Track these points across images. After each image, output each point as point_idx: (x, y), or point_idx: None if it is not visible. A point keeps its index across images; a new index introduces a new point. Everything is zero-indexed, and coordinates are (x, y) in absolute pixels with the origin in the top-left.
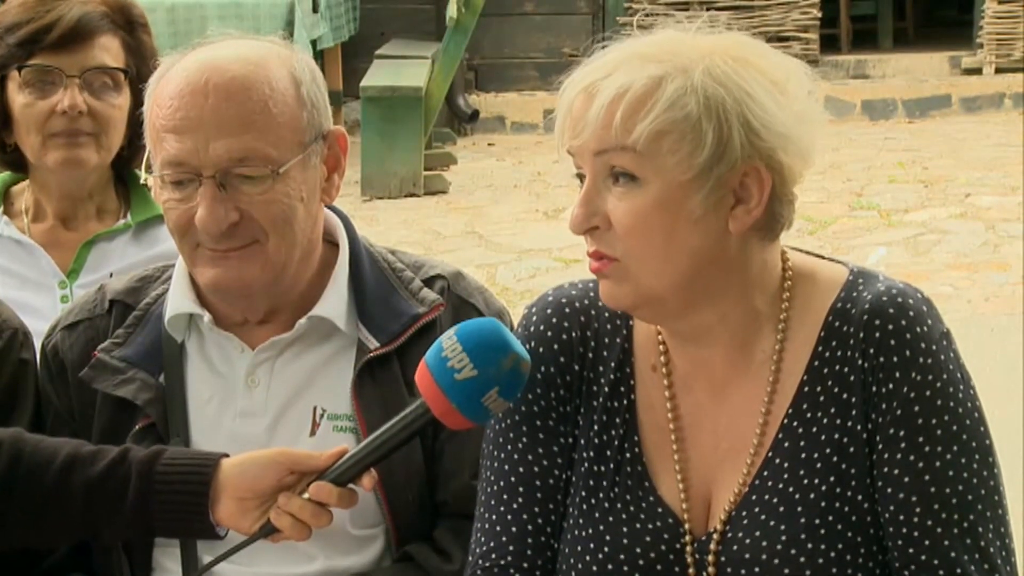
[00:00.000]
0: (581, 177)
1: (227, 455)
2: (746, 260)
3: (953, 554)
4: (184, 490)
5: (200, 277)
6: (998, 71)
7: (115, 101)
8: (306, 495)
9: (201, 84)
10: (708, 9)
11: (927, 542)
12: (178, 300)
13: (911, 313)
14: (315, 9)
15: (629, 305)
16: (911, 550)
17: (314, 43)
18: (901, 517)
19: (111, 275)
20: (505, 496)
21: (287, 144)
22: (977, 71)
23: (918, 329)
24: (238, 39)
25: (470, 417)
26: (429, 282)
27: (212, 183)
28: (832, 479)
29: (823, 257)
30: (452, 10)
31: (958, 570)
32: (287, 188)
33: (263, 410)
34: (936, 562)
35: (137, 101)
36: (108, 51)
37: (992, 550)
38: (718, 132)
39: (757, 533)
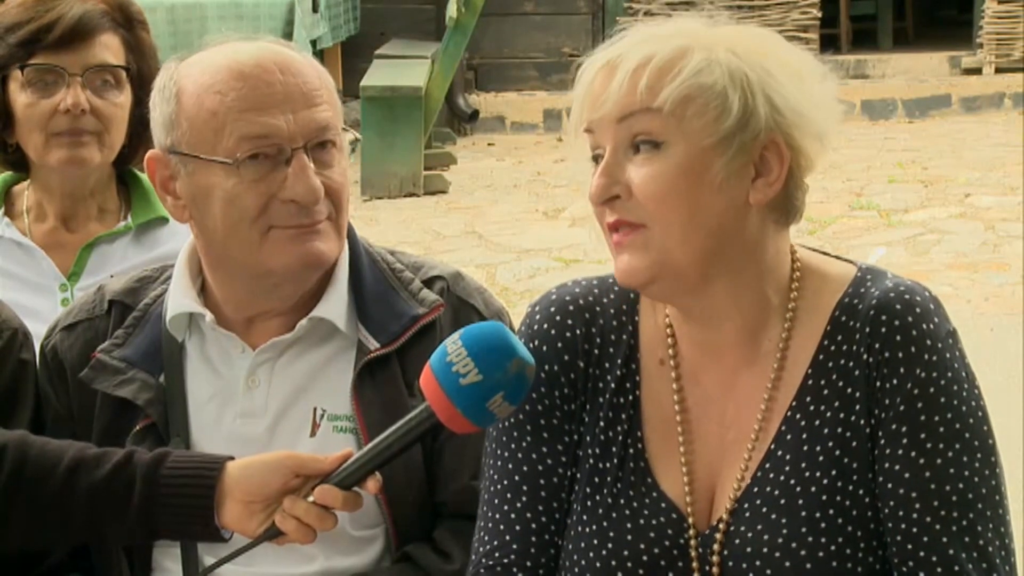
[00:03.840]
0: (597, 159)
1: (232, 458)
2: (762, 241)
3: (951, 551)
4: (189, 493)
5: (277, 260)
6: (998, 71)
7: (117, 99)
8: (311, 498)
9: (267, 63)
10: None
11: (926, 539)
12: (179, 299)
13: (918, 310)
14: (315, 9)
15: (647, 278)
16: (910, 546)
17: (314, 43)
18: (901, 513)
19: (112, 277)
20: (508, 494)
21: (339, 119)
22: (977, 71)
23: (924, 326)
24: (240, 42)
25: (475, 421)
26: (429, 283)
27: (303, 153)
28: (833, 473)
29: (832, 256)
30: (452, 10)
31: (956, 567)
32: (345, 163)
33: (263, 410)
34: (934, 559)
35: (137, 100)
36: (109, 49)
37: (991, 549)
38: (743, 101)
39: (759, 526)
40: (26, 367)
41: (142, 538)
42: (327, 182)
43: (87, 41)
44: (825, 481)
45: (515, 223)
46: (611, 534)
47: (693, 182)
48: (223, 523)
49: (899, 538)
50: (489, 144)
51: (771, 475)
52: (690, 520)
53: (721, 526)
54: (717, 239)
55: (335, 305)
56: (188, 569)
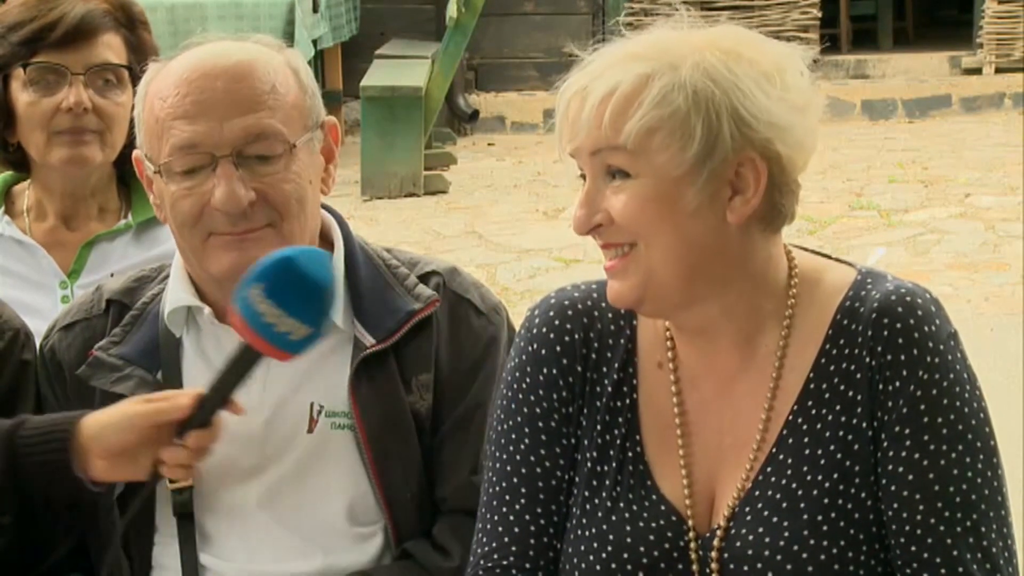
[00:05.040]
0: (584, 178)
1: (86, 413)
2: (749, 252)
3: (956, 552)
4: (46, 451)
5: (214, 266)
6: (998, 71)
7: (119, 98)
8: (183, 443)
9: (208, 68)
10: (706, 9)
11: (930, 540)
12: (177, 294)
13: (920, 312)
14: (315, 9)
15: (634, 299)
16: (914, 548)
17: (315, 43)
18: (905, 514)
19: (112, 276)
20: (507, 497)
21: (296, 124)
22: (977, 71)
23: (926, 328)
24: (227, 40)
25: (268, 339)
26: (424, 278)
27: (229, 162)
28: (836, 476)
29: (831, 258)
30: (452, 10)
31: (960, 568)
32: (299, 168)
33: (260, 406)
34: (939, 560)
35: None
36: (111, 48)
37: (995, 550)
38: (707, 126)
39: (760, 529)
40: (27, 367)
41: (20, 501)
42: (265, 189)
43: (89, 40)
44: (827, 484)
45: (515, 223)
46: (611, 537)
47: (667, 210)
48: (93, 477)
49: (903, 540)
50: (489, 144)
51: (773, 478)
52: (690, 523)
53: (720, 531)
54: (700, 258)
55: None
56: (187, 566)
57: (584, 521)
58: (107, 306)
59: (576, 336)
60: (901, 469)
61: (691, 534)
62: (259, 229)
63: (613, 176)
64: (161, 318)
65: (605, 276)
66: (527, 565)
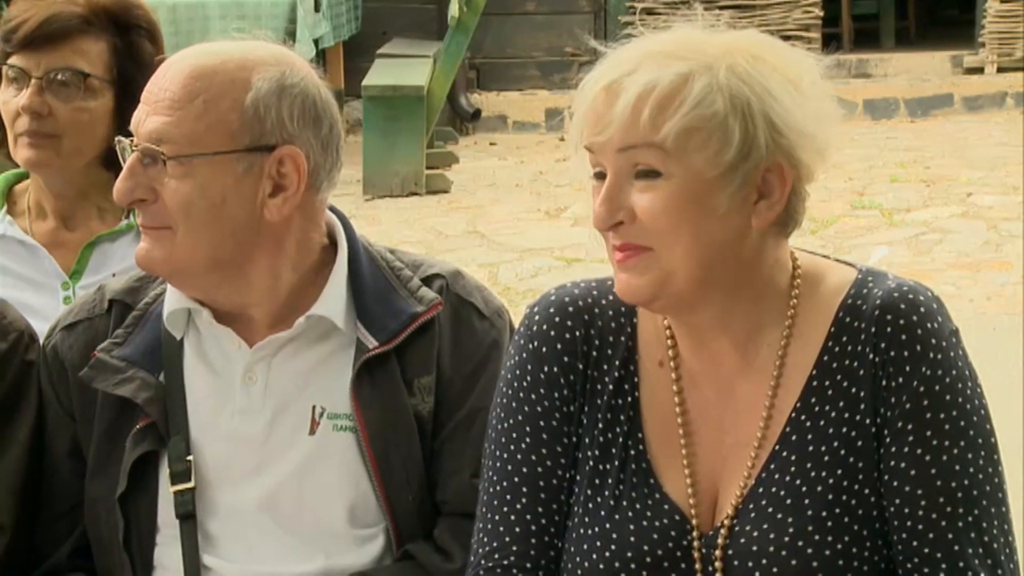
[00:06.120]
0: (599, 175)
1: None
2: (761, 256)
3: (957, 547)
4: None
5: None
6: (1000, 70)
7: (82, 104)
8: None
9: (171, 63)
10: (709, 8)
11: (932, 535)
12: (176, 296)
13: (922, 309)
14: (317, 8)
15: (648, 297)
16: (915, 543)
17: (316, 42)
18: (907, 510)
19: (113, 276)
20: (508, 496)
21: (202, 140)
22: (979, 70)
23: (928, 325)
24: (239, 40)
25: None
26: (428, 281)
27: (136, 155)
28: (839, 472)
29: (831, 258)
30: (454, 9)
31: (961, 563)
32: (194, 182)
33: (261, 408)
34: (940, 555)
35: (121, 106)
36: (82, 54)
37: (996, 545)
38: (744, 130)
39: (764, 526)
40: (31, 369)
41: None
42: (160, 191)
43: (52, 44)
44: (831, 481)
45: (517, 222)
46: (614, 536)
47: (696, 211)
48: None
49: (905, 535)
50: (491, 143)
51: (776, 476)
52: (693, 521)
53: (723, 528)
54: (718, 261)
55: (333, 303)
56: (190, 567)
57: (587, 520)
58: (109, 306)
59: (577, 333)
60: (903, 464)
61: (694, 532)
62: (155, 229)
63: (640, 174)
64: (164, 319)
65: (604, 275)
66: (528, 565)
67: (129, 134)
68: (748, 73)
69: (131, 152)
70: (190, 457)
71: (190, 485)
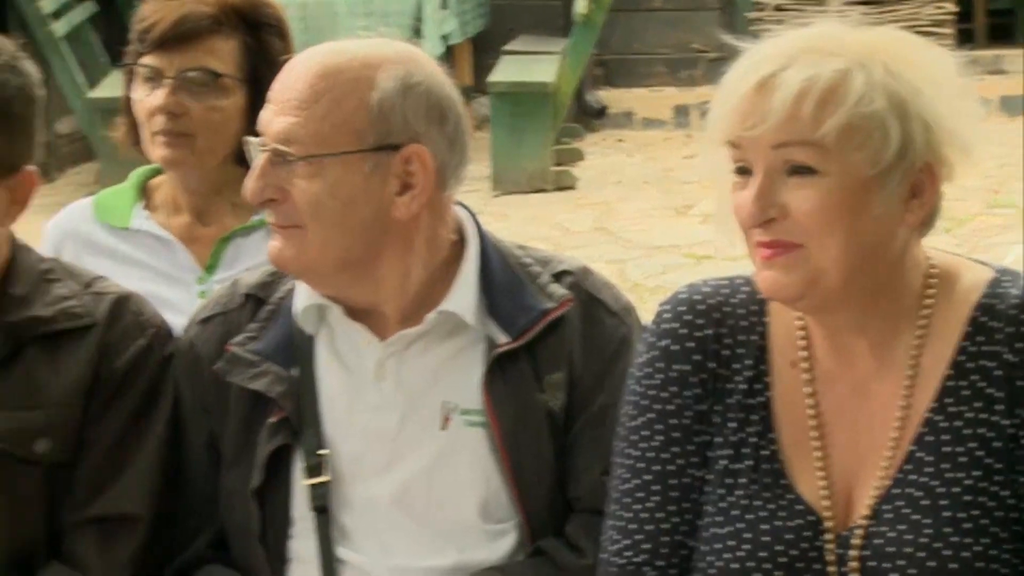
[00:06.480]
0: (742, 170)
1: None
2: (905, 255)
3: None
4: None
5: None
6: None
7: (215, 103)
8: None
9: (297, 62)
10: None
11: None
12: (307, 292)
13: None
14: (444, 5)
15: (795, 294)
16: None
17: (444, 38)
18: None
19: (247, 271)
20: (639, 494)
21: (328, 140)
22: None
23: None
24: (365, 39)
25: None
26: (557, 277)
27: (266, 155)
28: (977, 473)
29: (966, 258)
30: (581, 6)
31: None
32: (323, 181)
33: (392, 404)
34: None
35: (253, 104)
36: (214, 53)
37: None
38: (902, 129)
39: (901, 527)
40: (167, 363)
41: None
42: (289, 190)
43: (186, 44)
44: (968, 482)
45: (645, 219)
46: (747, 535)
47: (851, 210)
48: None
49: None
50: (618, 140)
51: (912, 477)
52: (828, 523)
53: (859, 529)
54: (868, 260)
55: (463, 299)
56: (325, 559)
57: (719, 519)
58: (243, 300)
59: (708, 332)
60: None
61: (829, 534)
62: (284, 228)
63: (793, 171)
64: (294, 314)
65: (733, 273)
66: (659, 562)
67: (259, 133)
68: (899, 71)
69: (260, 152)
70: (324, 451)
71: (325, 479)
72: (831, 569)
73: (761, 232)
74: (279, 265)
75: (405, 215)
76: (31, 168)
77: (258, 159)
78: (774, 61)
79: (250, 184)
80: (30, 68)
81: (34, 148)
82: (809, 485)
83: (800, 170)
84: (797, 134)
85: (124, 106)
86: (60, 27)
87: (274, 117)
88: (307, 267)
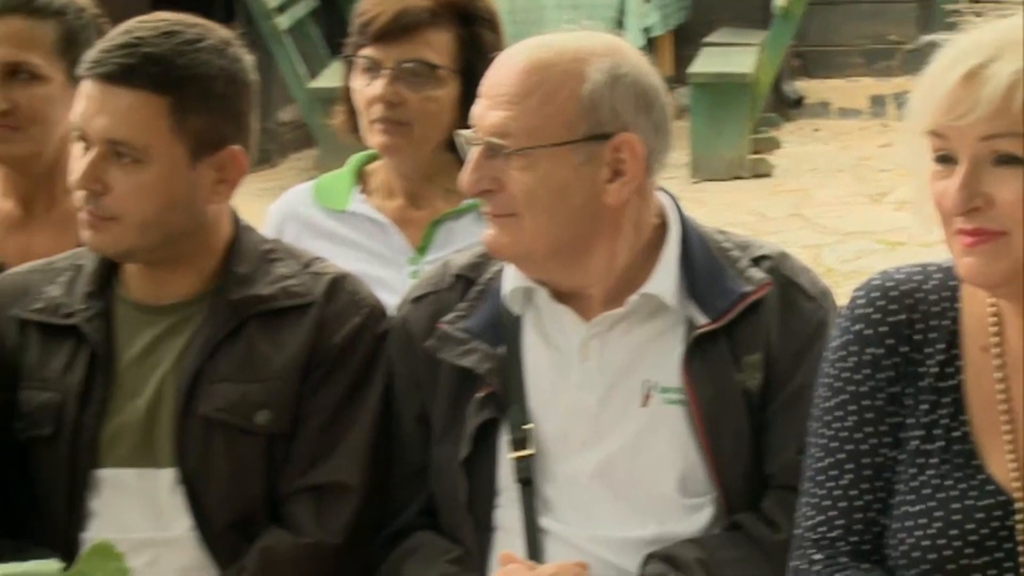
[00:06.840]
0: (944, 159)
1: None
2: None
3: None
4: None
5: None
6: None
7: (431, 93)
8: None
9: (502, 59)
10: None
11: None
12: (516, 275)
13: None
14: None
15: (999, 281)
16: None
17: (646, 31)
18: None
19: (456, 252)
20: (833, 472)
21: (541, 132)
22: None
23: None
24: (570, 32)
25: None
26: (756, 261)
27: (480, 148)
28: None
29: None
30: None
31: None
32: (537, 172)
33: (595, 382)
34: None
35: (471, 93)
36: (431, 46)
37: None
38: None
39: None
40: (381, 340)
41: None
42: (504, 180)
43: (403, 36)
44: None
45: (840, 206)
46: (938, 515)
47: None
48: None
49: None
50: (815, 129)
51: None
52: (1018, 503)
53: None
54: None
55: (664, 282)
56: (529, 528)
57: (911, 499)
58: (454, 281)
59: (901, 317)
60: None
61: (1019, 515)
62: (499, 216)
63: (1000, 160)
64: (501, 295)
65: (934, 257)
66: (852, 539)
67: (470, 124)
68: None
69: (473, 145)
70: (529, 425)
71: (529, 452)
72: (1022, 548)
73: (963, 220)
74: (494, 252)
75: (616, 201)
76: (236, 148)
77: (472, 152)
78: (981, 52)
79: (466, 176)
80: (239, 53)
81: (242, 131)
82: (1000, 466)
83: (1007, 160)
84: (1007, 126)
85: (343, 95)
86: (283, 21)
87: (487, 111)
88: (521, 254)
